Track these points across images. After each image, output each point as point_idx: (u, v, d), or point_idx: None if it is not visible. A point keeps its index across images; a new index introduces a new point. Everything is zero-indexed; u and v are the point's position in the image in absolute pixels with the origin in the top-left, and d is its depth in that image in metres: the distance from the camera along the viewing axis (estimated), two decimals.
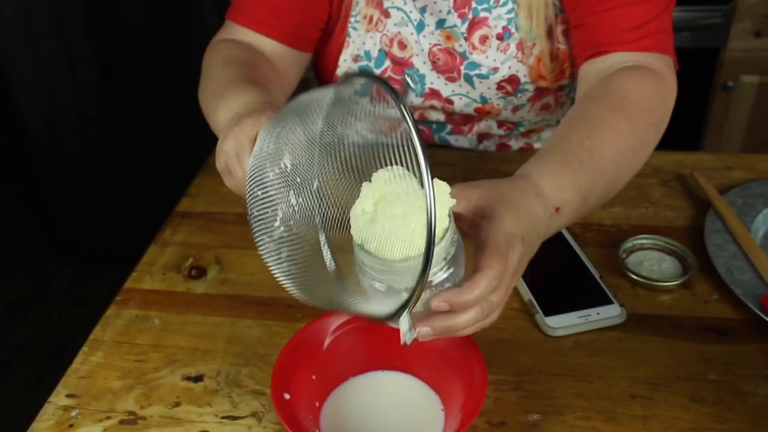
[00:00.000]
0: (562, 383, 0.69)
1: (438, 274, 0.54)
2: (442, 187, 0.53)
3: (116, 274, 0.98)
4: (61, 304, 2.03)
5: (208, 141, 1.14)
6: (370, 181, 0.53)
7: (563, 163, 0.68)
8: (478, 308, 0.55)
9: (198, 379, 0.72)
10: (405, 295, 0.50)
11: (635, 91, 0.76)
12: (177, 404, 0.69)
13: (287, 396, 0.61)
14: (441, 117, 1.01)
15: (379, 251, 0.51)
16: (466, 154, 1.03)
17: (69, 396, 0.70)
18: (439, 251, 0.52)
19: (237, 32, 0.91)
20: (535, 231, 0.62)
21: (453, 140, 1.04)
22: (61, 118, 1.96)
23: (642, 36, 0.80)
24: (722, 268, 0.79)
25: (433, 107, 0.99)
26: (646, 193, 0.93)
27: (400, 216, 0.51)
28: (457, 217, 0.59)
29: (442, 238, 0.52)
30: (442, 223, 0.52)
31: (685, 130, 1.74)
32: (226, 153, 0.65)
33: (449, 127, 1.03)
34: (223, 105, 0.74)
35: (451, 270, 0.55)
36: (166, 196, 1.27)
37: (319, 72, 1.04)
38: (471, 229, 0.59)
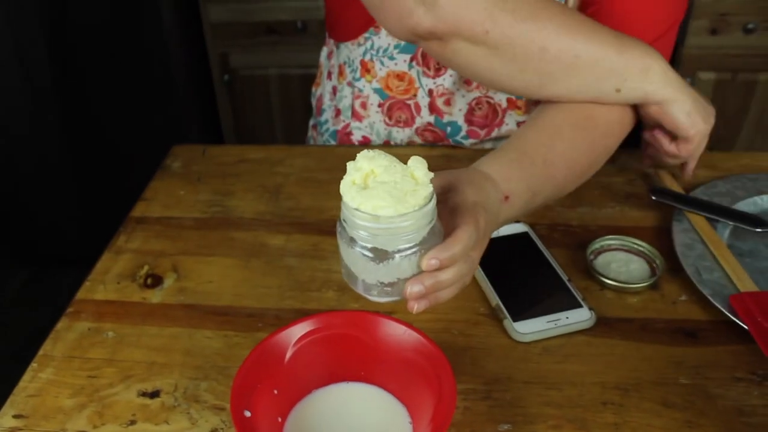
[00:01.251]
0: (532, 391, 0.67)
1: (422, 238, 0.57)
2: (421, 161, 0.58)
3: (72, 280, 0.94)
4: (12, 312, 1.96)
5: (166, 141, 1.11)
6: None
7: (513, 161, 0.70)
8: (462, 262, 0.59)
9: (154, 394, 0.68)
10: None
11: (602, 113, 0.77)
12: (132, 422, 0.65)
13: (248, 414, 0.58)
14: (463, 112, 0.98)
15: (376, 210, 0.55)
16: (464, 153, 1.01)
17: (16, 417, 0.66)
18: (427, 211, 0.56)
19: None
20: (492, 207, 0.65)
21: (468, 144, 1.02)
22: (13, 115, 1.90)
23: None
24: (690, 268, 0.78)
25: (467, 82, 0.95)
26: (612, 193, 0.92)
27: (392, 182, 0.56)
28: None
29: (429, 201, 0.57)
30: (428, 188, 0.57)
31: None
32: None
33: (464, 130, 1.00)
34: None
35: (429, 243, 0.58)
36: (124, 197, 1.23)
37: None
38: (437, 205, 0.61)
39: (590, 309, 0.74)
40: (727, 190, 0.89)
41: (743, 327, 0.70)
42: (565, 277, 0.78)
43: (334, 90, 1.08)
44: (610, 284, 0.78)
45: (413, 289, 0.58)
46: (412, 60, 0.95)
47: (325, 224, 0.88)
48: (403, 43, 0.94)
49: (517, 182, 0.68)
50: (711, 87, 1.80)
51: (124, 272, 0.83)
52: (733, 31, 1.72)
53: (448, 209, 0.61)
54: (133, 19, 1.84)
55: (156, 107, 1.92)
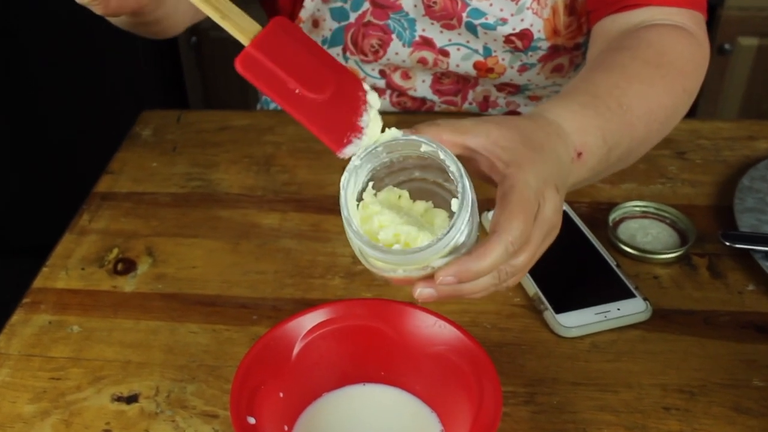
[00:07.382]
0: (583, 394, 0.64)
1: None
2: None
3: (18, 272, 0.90)
4: None
5: (131, 107, 1.07)
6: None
7: (587, 105, 0.64)
8: (493, 274, 0.53)
9: (132, 399, 0.65)
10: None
11: (674, 50, 0.72)
12: None
13: (252, 420, 0.55)
14: (427, 83, 0.95)
15: (396, 237, 0.52)
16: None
17: None
18: (451, 237, 0.50)
19: None
20: (563, 176, 0.58)
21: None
22: None
23: None
24: (758, 254, 0.75)
25: (422, 61, 0.92)
26: (659, 167, 0.90)
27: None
28: (473, 156, 0.56)
29: (464, 205, 0.50)
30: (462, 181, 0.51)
31: None
32: None
33: (438, 101, 0.97)
34: None
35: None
36: (77, 174, 1.18)
37: (275, 10, 0.96)
38: (495, 174, 0.55)
39: (645, 299, 0.71)
40: None
41: None
42: (613, 263, 0.75)
43: None
44: (636, 255, 0.77)
45: (423, 291, 0.53)
46: (345, 51, 0.93)
47: (326, 201, 0.85)
48: (329, 35, 0.91)
49: (592, 133, 0.62)
50: (752, 54, 1.78)
51: (89, 256, 0.79)
52: None
53: (504, 189, 0.53)
54: None
55: (112, 72, 1.88)
